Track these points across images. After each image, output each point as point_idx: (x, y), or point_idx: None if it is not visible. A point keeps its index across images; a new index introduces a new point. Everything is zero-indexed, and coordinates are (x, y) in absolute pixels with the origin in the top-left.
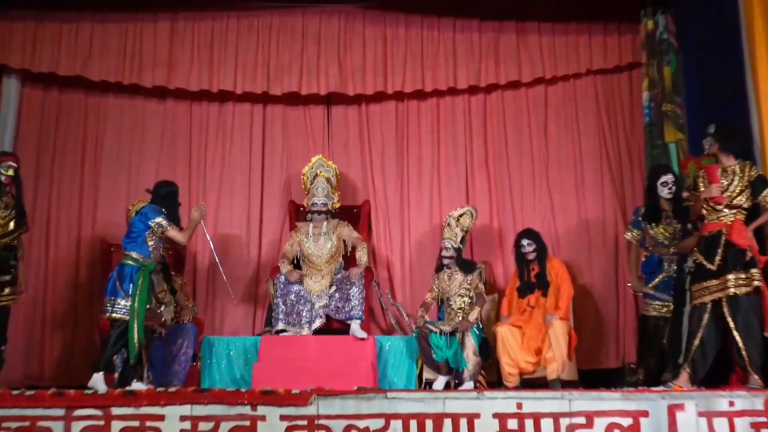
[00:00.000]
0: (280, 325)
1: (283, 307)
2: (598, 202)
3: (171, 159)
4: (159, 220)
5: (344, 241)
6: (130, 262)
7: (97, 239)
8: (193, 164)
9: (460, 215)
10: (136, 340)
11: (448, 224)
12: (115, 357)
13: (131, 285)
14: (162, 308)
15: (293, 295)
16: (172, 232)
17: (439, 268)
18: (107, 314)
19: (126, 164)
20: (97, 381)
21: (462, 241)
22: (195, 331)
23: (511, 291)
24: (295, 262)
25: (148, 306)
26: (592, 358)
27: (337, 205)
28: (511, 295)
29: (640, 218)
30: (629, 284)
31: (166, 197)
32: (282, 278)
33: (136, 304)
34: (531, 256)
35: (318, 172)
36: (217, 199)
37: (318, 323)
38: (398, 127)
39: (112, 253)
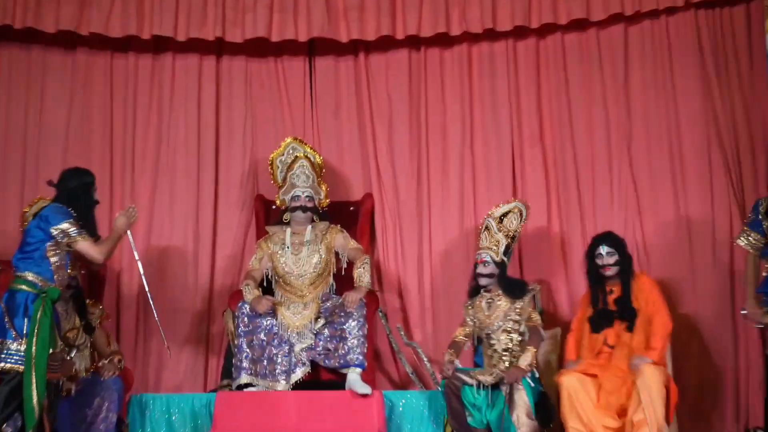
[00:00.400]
0: (245, 377)
1: (248, 350)
2: (704, 195)
3: (84, 137)
4: (64, 225)
5: (337, 253)
6: (23, 287)
7: None
8: (116, 144)
9: (504, 215)
10: (34, 401)
11: (487, 228)
12: (5, 425)
13: (26, 320)
14: (73, 354)
15: (263, 333)
16: (84, 245)
17: (475, 291)
18: None
19: (18, 144)
20: None
21: (507, 252)
22: (120, 387)
23: (581, 323)
24: (265, 284)
25: (51, 350)
26: (701, 420)
27: (326, 202)
28: (580, 330)
29: (760, 216)
30: (744, 311)
31: (76, 192)
32: (246, 309)
33: (33, 349)
34: (610, 272)
35: (297, 154)
36: (150, 196)
37: (300, 373)
38: (413, 88)
39: (1, 273)
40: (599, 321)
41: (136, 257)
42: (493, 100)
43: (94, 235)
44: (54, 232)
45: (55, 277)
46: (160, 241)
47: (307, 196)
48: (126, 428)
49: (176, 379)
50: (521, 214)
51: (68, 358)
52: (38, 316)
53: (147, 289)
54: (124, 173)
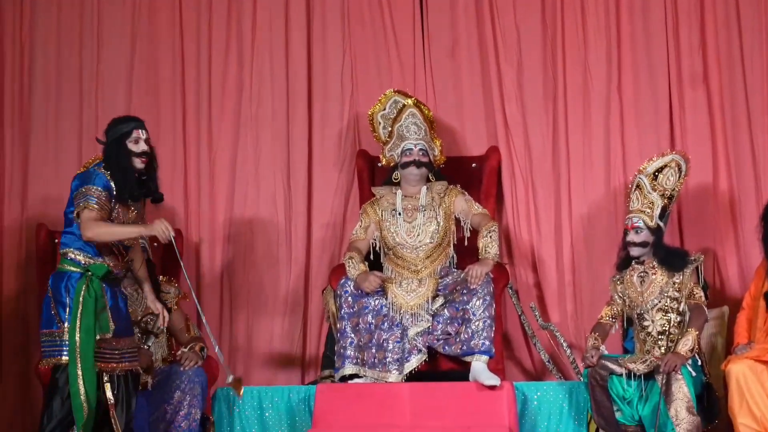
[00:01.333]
0: (349, 367)
1: (353, 336)
2: None
3: (150, 86)
4: (81, 189)
5: (458, 219)
6: (67, 266)
7: (30, 224)
8: (189, 94)
9: (658, 170)
10: (82, 397)
11: (638, 186)
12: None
13: (69, 302)
14: (151, 342)
15: (371, 316)
16: (83, 216)
17: (624, 263)
18: (46, 358)
19: (74, 96)
20: None
21: (663, 215)
22: (204, 379)
23: (754, 300)
24: (371, 257)
25: (99, 336)
26: None
27: (442, 159)
28: (753, 308)
29: None
30: None
31: (109, 149)
32: (350, 286)
33: (77, 336)
34: None
35: (404, 103)
36: (231, 156)
37: (415, 362)
38: (547, 19)
39: (58, 246)
40: None
41: (182, 266)
42: (646, 31)
43: (135, 198)
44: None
45: (102, 252)
46: (244, 210)
47: (420, 149)
48: (212, 426)
49: (269, 369)
50: (680, 169)
51: (146, 346)
52: (81, 297)
53: (197, 304)
54: (199, 129)
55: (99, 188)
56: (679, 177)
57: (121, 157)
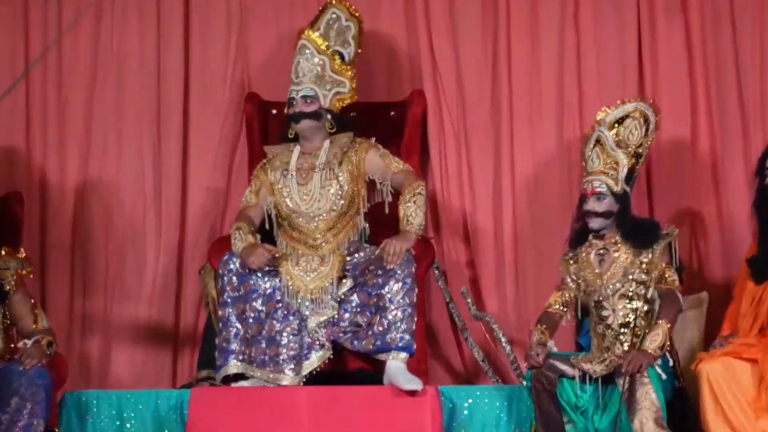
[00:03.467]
0: (234, 365)
1: (238, 326)
2: None
3: None
4: None
5: (370, 178)
6: None
7: None
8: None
9: (619, 120)
10: None
11: (598, 142)
12: None
13: None
14: None
15: (260, 301)
16: None
17: (580, 238)
18: None
19: None
20: None
21: (630, 178)
22: (48, 383)
23: (743, 283)
24: (267, 227)
25: None
26: None
27: (351, 99)
28: (741, 292)
29: None
30: None
31: None
32: (235, 264)
33: None
34: None
35: (306, 37)
36: (86, 97)
37: (316, 361)
38: None
39: None
40: (763, 269)
41: None
42: None
43: None
44: None
45: None
46: (102, 166)
47: (303, 96)
48: None
49: (132, 370)
50: (646, 121)
51: None
52: None
53: None
54: (46, 64)
55: None
56: (647, 131)
57: None
